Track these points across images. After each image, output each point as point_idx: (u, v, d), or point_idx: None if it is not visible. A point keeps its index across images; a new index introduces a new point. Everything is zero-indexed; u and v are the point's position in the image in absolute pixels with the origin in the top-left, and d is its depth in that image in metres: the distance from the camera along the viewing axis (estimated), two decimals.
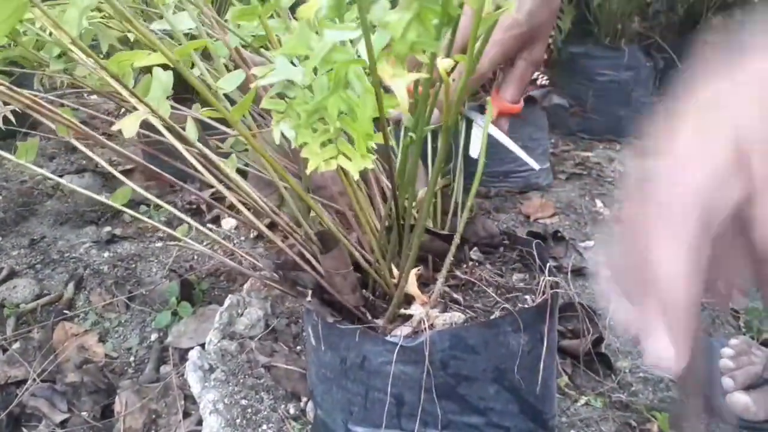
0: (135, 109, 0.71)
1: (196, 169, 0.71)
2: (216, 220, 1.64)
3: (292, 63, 0.47)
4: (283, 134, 0.48)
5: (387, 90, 0.45)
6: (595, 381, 1.06)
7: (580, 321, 1.14)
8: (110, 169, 0.77)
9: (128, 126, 0.53)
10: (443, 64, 0.42)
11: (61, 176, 1.90)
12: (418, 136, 0.55)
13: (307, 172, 0.48)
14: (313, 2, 0.42)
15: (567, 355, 1.09)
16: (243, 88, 0.57)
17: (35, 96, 0.66)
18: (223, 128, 0.82)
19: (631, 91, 2.09)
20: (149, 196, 0.73)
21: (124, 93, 0.67)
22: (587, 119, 2.15)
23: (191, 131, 0.61)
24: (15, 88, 0.62)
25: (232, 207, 1.68)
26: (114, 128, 0.55)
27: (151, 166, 0.73)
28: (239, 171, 0.75)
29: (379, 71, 0.43)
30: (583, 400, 1.00)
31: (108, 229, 1.63)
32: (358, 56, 0.43)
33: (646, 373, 1.08)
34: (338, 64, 0.44)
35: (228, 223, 1.62)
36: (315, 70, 0.45)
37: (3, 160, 2.03)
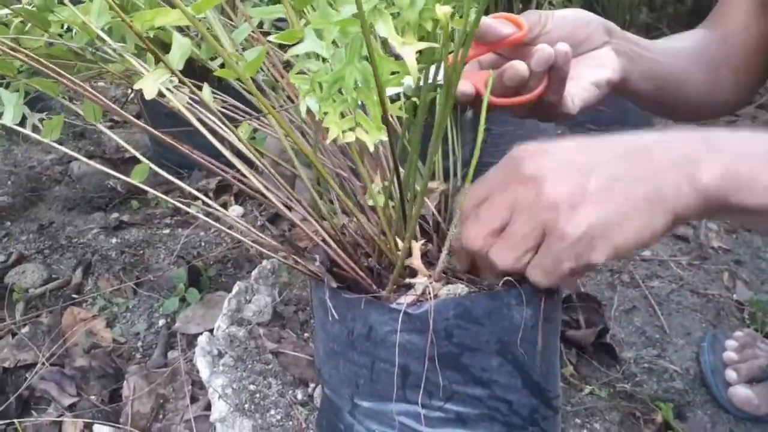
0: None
1: (210, 155, 0.72)
2: (223, 208, 1.65)
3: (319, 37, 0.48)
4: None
5: (398, 58, 0.47)
6: (599, 371, 1.07)
7: (585, 311, 1.15)
8: (130, 150, 0.78)
9: (148, 86, 0.54)
10: (442, 9, 0.43)
11: (68, 162, 1.92)
12: (422, 101, 0.55)
13: (327, 142, 0.50)
14: None
15: (572, 345, 1.10)
16: None
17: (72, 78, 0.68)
18: (238, 115, 0.83)
19: None
20: (167, 176, 0.74)
21: (145, 71, 0.68)
22: (594, 110, 2.14)
23: (207, 96, 0.62)
24: (56, 68, 0.64)
25: (237, 196, 1.69)
26: (135, 87, 0.55)
27: (168, 136, 0.74)
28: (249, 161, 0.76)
29: (390, 39, 0.45)
30: (587, 389, 1.01)
31: (116, 215, 1.64)
32: (372, 28, 0.44)
33: (650, 364, 1.08)
34: (352, 35, 0.46)
35: (235, 210, 1.63)
36: (335, 43, 0.47)
37: (11, 146, 2.04)
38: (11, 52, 0.64)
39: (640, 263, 1.36)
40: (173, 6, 0.55)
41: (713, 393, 1.03)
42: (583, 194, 0.56)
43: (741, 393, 1.00)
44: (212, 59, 0.71)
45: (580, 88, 0.70)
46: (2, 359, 1.16)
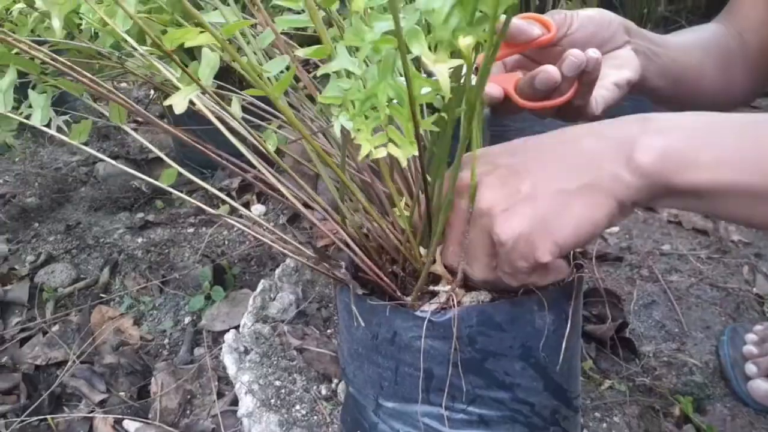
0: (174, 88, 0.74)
1: (233, 153, 0.74)
2: (245, 207, 1.68)
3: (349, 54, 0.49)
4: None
5: (430, 75, 0.47)
6: (619, 365, 1.08)
7: (605, 306, 1.16)
8: (155, 150, 0.80)
9: (178, 102, 0.56)
10: (465, 42, 0.44)
11: (94, 163, 1.95)
12: (450, 117, 0.56)
13: (359, 158, 0.51)
14: None
15: (592, 340, 1.11)
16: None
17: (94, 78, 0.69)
18: (262, 123, 0.84)
19: None
20: (191, 177, 0.76)
21: (171, 76, 0.70)
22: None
23: (236, 107, 0.64)
24: (80, 70, 0.65)
25: (261, 195, 1.71)
26: (165, 103, 0.57)
27: (191, 140, 0.76)
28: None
29: (422, 57, 0.45)
30: (607, 383, 1.02)
31: (141, 215, 1.67)
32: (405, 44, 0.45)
33: (670, 358, 1.09)
34: (385, 52, 0.47)
35: (257, 209, 1.65)
36: (367, 60, 0.48)
37: (38, 148, 2.08)
38: (31, 52, 0.64)
39: (659, 257, 1.37)
40: (197, 6, 0.57)
41: (733, 387, 1.04)
42: (514, 196, 0.56)
43: (761, 387, 1.00)
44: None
45: (603, 89, 0.71)
46: (34, 357, 1.20)
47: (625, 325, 1.13)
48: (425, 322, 0.64)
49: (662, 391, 1.02)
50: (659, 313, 1.20)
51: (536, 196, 0.55)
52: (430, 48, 0.46)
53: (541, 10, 1.66)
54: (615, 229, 1.48)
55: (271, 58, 0.65)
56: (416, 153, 0.52)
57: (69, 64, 0.64)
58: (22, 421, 1.04)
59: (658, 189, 0.52)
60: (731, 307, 1.22)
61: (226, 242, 1.52)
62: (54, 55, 0.66)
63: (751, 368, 1.03)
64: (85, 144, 0.75)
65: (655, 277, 1.30)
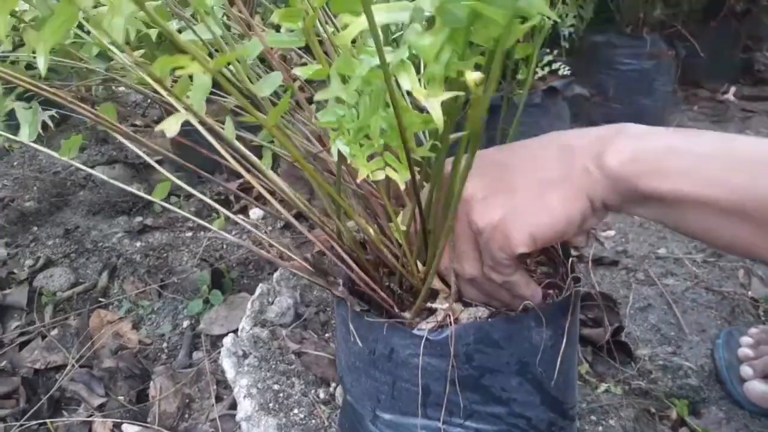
0: (166, 101, 0.75)
1: (228, 162, 0.74)
2: (243, 211, 1.68)
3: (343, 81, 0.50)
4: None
5: (422, 110, 0.48)
6: (615, 369, 1.08)
7: (601, 310, 1.17)
8: (148, 160, 0.81)
9: (171, 126, 0.56)
10: (472, 76, 0.44)
11: (92, 167, 1.95)
12: (444, 146, 0.57)
13: (358, 180, 0.52)
14: (351, 29, 0.44)
15: (588, 344, 1.11)
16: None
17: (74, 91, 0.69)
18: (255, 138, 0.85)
19: (653, 80, 2.08)
20: (183, 184, 0.76)
21: (165, 94, 0.70)
22: (609, 109, 2.14)
23: (229, 130, 0.64)
24: (59, 92, 0.65)
25: (259, 197, 1.72)
26: (157, 129, 0.57)
27: (178, 159, 0.76)
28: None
29: (414, 93, 0.45)
30: (603, 387, 1.03)
31: (139, 219, 1.67)
32: (395, 78, 0.46)
33: (665, 361, 1.10)
34: (376, 86, 0.48)
35: (255, 213, 1.66)
36: (359, 90, 0.48)
37: (36, 151, 2.08)
38: (14, 80, 0.64)
39: (655, 261, 1.37)
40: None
41: (728, 389, 1.04)
42: (493, 186, 0.58)
43: (756, 389, 1.01)
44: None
45: None
46: (33, 361, 1.20)
47: (621, 328, 1.14)
48: (422, 341, 0.65)
49: (658, 394, 1.02)
50: (655, 317, 1.21)
51: (515, 186, 0.57)
52: (421, 83, 0.46)
53: None
54: (611, 232, 1.49)
55: (269, 68, 0.66)
56: (414, 177, 0.53)
57: (52, 90, 0.64)
58: (22, 425, 1.05)
59: (625, 192, 0.53)
60: (726, 310, 1.23)
61: (225, 246, 1.53)
62: (36, 83, 0.65)
63: (746, 371, 1.03)
64: (83, 149, 0.76)
65: (650, 280, 1.31)
